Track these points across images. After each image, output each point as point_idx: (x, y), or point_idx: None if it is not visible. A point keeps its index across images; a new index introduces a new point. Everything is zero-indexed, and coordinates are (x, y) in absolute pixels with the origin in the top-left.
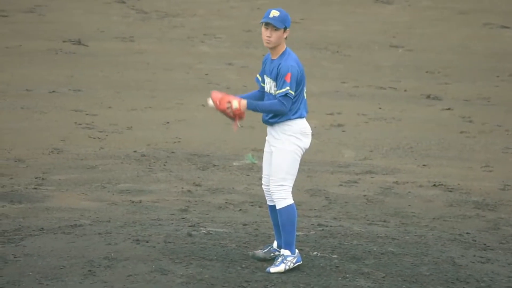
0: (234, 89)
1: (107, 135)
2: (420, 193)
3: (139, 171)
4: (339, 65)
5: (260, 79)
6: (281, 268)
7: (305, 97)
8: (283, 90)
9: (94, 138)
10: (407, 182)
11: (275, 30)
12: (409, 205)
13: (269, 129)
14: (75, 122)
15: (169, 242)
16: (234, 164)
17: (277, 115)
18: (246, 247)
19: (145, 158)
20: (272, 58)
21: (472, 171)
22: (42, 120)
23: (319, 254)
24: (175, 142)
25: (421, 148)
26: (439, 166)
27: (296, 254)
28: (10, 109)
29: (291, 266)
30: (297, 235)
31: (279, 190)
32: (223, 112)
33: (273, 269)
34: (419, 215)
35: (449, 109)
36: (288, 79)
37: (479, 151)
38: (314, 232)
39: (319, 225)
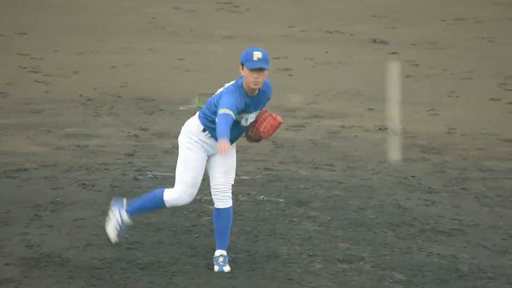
0: (180, 34)
1: (53, 79)
2: (367, 137)
3: (85, 116)
4: (286, 9)
5: (233, 117)
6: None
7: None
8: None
9: (40, 82)
10: (354, 126)
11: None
12: (355, 149)
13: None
14: (21, 66)
15: (116, 187)
16: (181, 108)
17: None
18: None
19: (91, 102)
20: (251, 95)
21: (418, 115)
22: None
23: (265, 198)
24: (122, 87)
25: (368, 92)
26: (385, 110)
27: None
28: None
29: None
30: (243, 179)
31: (230, 190)
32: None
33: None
34: (365, 159)
35: (395, 53)
36: None
37: (425, 95)
38: (260, 176)
39: (266, 169)
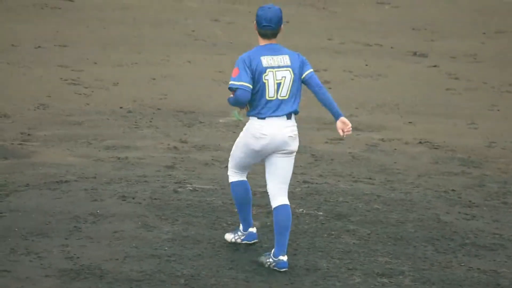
0: (220, 46)
1: (92, 91)
2: (406, 150)
3: (125, 128)
4: (325, 22)
5: None
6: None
7: (268, 98)
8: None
9: (80, 94)
10: (393, 139)
11: None
12: (394, 162)
13: None
14: (61, 78)
15: (155, 199)
16: (220, 121)
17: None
18: (231, 203)
19: (131, 114)
20: None
21: (458, 128)
22: (27, 76)
23: (304, 211)
24: (161, 99)
25: (407, 105)
26: (424, 123)
27: (246, 232)
28: None
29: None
30: None
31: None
32: None
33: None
34: (404, 172)
35: (435, 66)
36: (233, 73)
37: (465, 108)
38: (300, 189)
39: (305, 182)
